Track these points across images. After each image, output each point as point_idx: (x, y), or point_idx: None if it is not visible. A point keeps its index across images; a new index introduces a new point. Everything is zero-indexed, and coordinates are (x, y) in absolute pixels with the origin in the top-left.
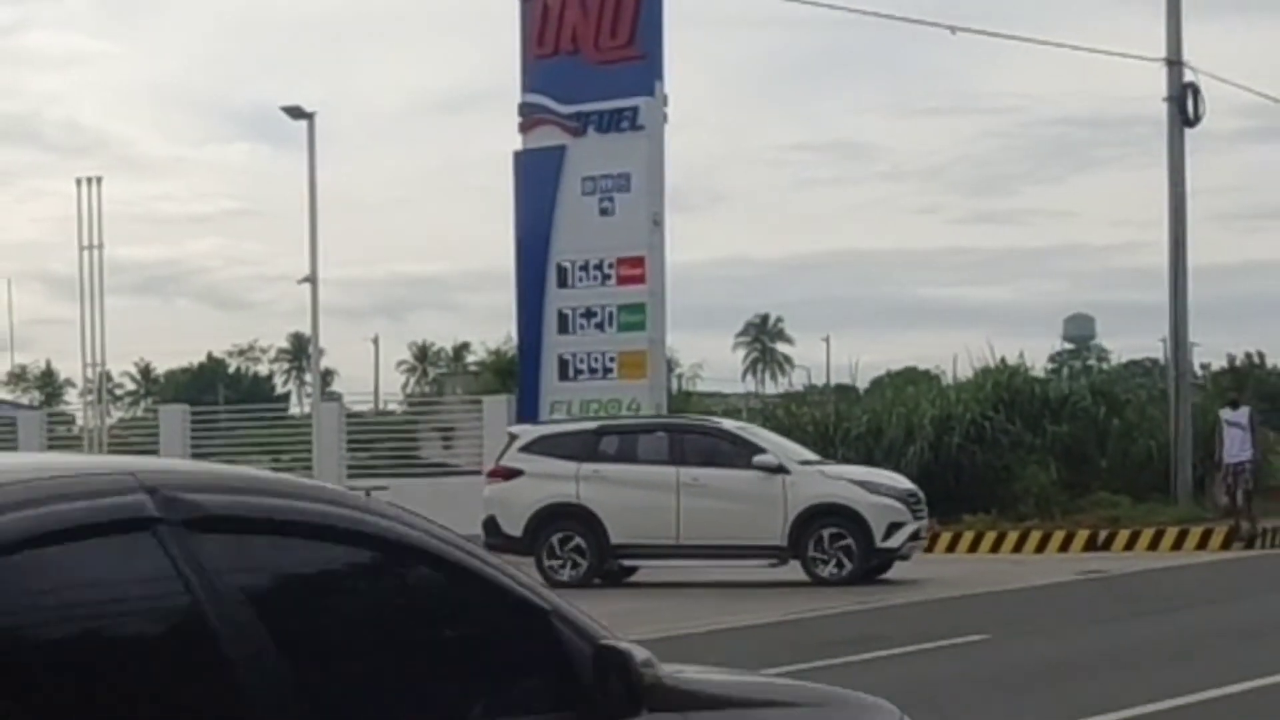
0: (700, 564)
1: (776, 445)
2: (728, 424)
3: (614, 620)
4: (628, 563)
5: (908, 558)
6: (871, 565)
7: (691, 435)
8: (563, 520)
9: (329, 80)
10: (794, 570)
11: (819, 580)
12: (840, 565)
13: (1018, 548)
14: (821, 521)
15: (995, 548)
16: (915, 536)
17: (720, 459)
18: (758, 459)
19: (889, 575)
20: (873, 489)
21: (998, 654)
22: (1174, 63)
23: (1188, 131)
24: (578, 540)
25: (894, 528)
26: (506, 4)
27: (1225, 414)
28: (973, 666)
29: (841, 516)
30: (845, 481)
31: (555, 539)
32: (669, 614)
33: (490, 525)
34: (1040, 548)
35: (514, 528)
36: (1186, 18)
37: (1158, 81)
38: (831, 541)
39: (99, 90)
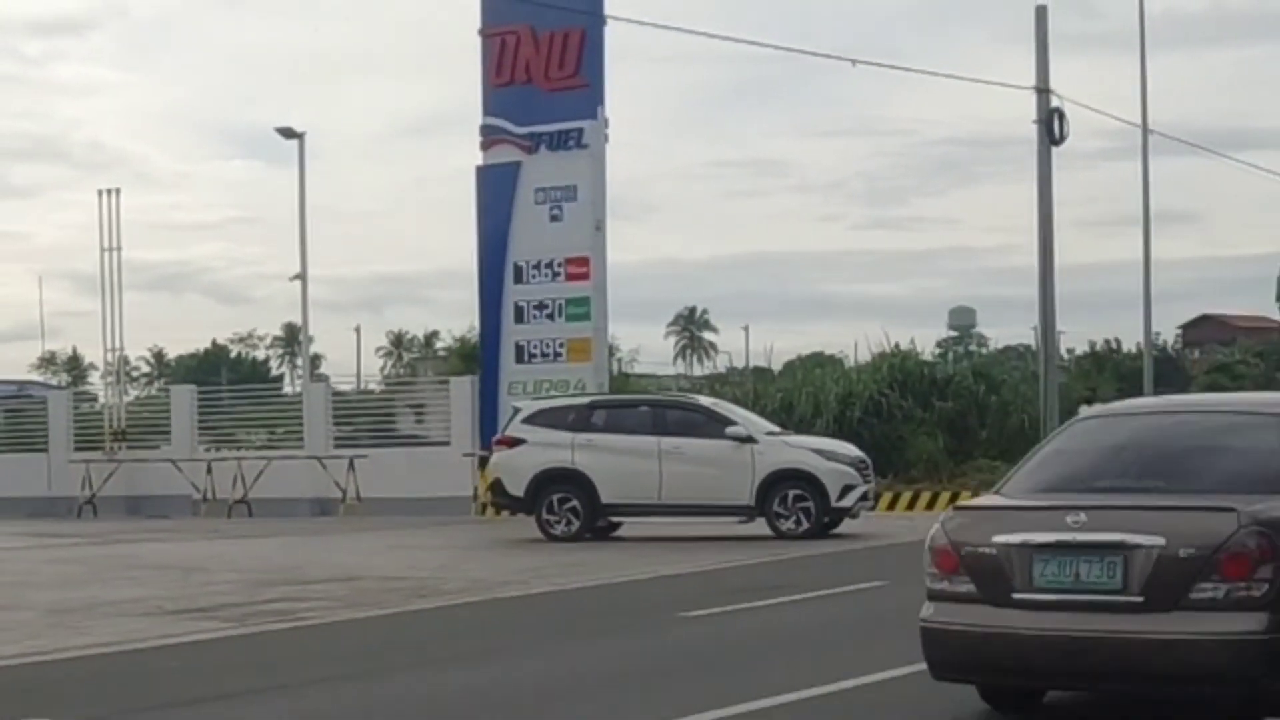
0: (678, 520)
1: (745, 419)
2: (703, 400)
3: (567, 569)
4: (615, 519)
5: (857, 515)
6: (825, 522)
7: (672, 410)
8: (559, 483)
9: (317, 106)
10: (759, 526)
11: (780, 534)
12: (799, 522)
13: (910, 506)
14: (784, 484)
15: (891, 507)
16: (864, 498)
17: (696, 430)
18: (729, 430)
19: (838, 530)
20: (829, 456)
21: (892, 597)
22: (1042, 91)
23: (1054, 150)
24: (573, 501)
25: (846, 490)
26: (469, 40)
27: (1083, 410)
28: (872, 606)
29: (802, 480)
30: (805, 450)
31: (553, 498)
32: (616, 564)
33: (497, 487)
34: (930, 506)
35: (517, 489)
36: (1053, 52)
37: (1028, 107)
38: (793, 501)
39: (118, 114)
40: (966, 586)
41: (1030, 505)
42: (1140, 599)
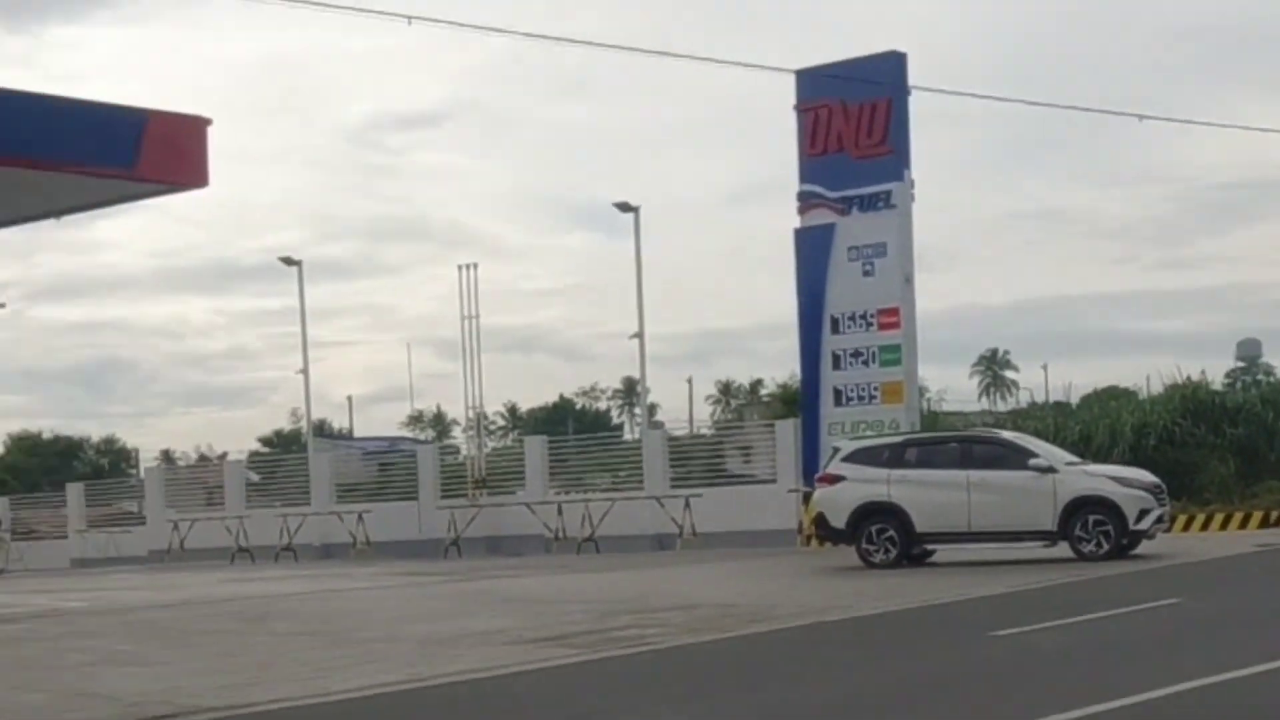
0: (986, 546)
1: (1046, 450)
2: (1007, 435)
3: (886, 594)
4: (928, 546)
5: (1154, 537)
6: (1124, 544)
7: (978, 445)
8: (877, 515)
9: (648, 179)
10: (1062, 550)
11: (1082, 557)
12: (1099, 545)
13: (1204, 527)
14: (1085, 510)
15: (1185, 528)
16: (1159, 520)
17: (1001, 462)
18: (1032, 461)
19: (1136, 551)
20: (1126, 483)
21: (1187, 611)
22: None
23: None
24: (889, 531)
25: (1143, 514)
26: (786, 116)
27: None
28: (1173, 618)
29: (1101, 506)
30: (1103, 478)
31: (872, 529)
32: (930, 588)
33: (820, 520)
34: (1223, 527)
35: (839, 522)
36: None
37: None
38: (1094, 526)
39: (473, 196)
40: None
41: None
42: None
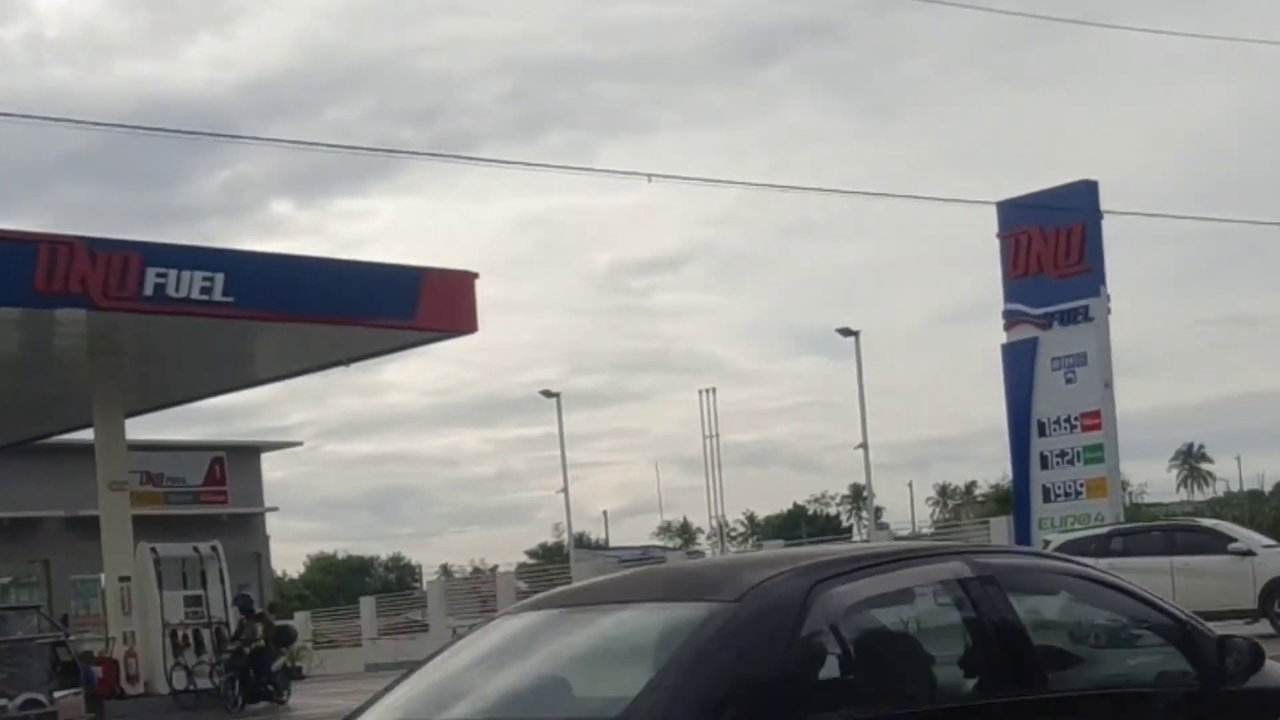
0: None
1: (1244, 535)
2: (1206, 522)
3: None
4: None
5: None
6: None
7: (1180, 533)
8: None
9: (867, 306)
10: (1263, 626)
11: None
12: None
13: None
14: None
15: None
16: None
17: (1202, 548)
18: (1231, 546)
19: None
20: None
21: None
22: None
23: None
24: None
25: None
26: (989, 243)
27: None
28: None
29: None
30: None
31: None
32: None
33: None
34: None
35: None
36: None
37: None
38: None
39: (709, 329)
40: None
41: None
42: None
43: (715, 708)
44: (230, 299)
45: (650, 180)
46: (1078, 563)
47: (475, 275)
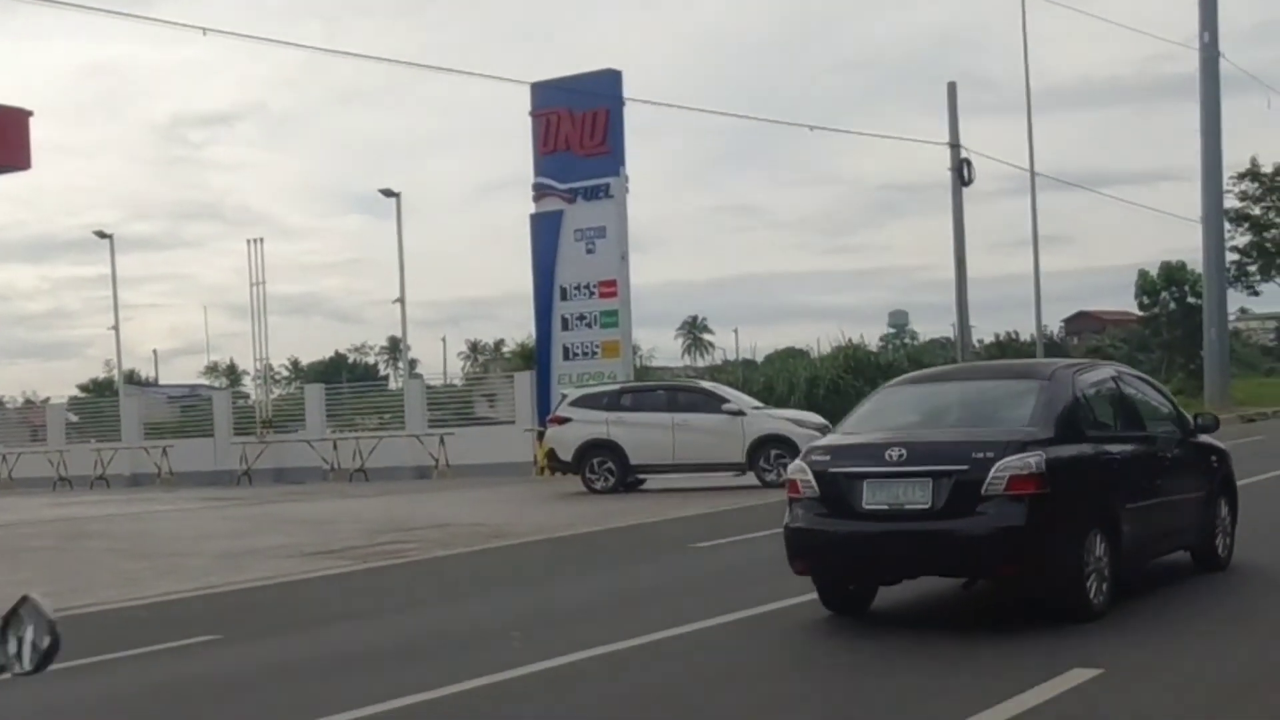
0: (688, 476)
1: (737, 398)
2: (705, 384)
3: (605, 515)
4: (640, 476)
5: None
6: None
7: (681, 393)
8: (598, 450)
9: (411, 174)
10: (749, 479)
11: (765, 484)
12: (779, 474)
13: None
14: (768, 446)
15: None
16: None
17: (700, 407)
18: (725, 406)
19: None
20: (800, 424)
21: None
22: (954, 146)
23: (964, 190)
24: (609, 463)
25: None
26: (524, 122)
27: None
28: None
29: (781, 442)
30: (783, 420)
31: (594, 462)
32: (641, 510)
33: (551, 454)
34: None
35: (566, 455)
36: (962, 117)
37: (945, 159)
38: (774, 459)
39: (261, 185)
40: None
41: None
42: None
43: (1058, 422)
44: None
45: (205, 34)
46: (1144, 375)
47: (30, 113)
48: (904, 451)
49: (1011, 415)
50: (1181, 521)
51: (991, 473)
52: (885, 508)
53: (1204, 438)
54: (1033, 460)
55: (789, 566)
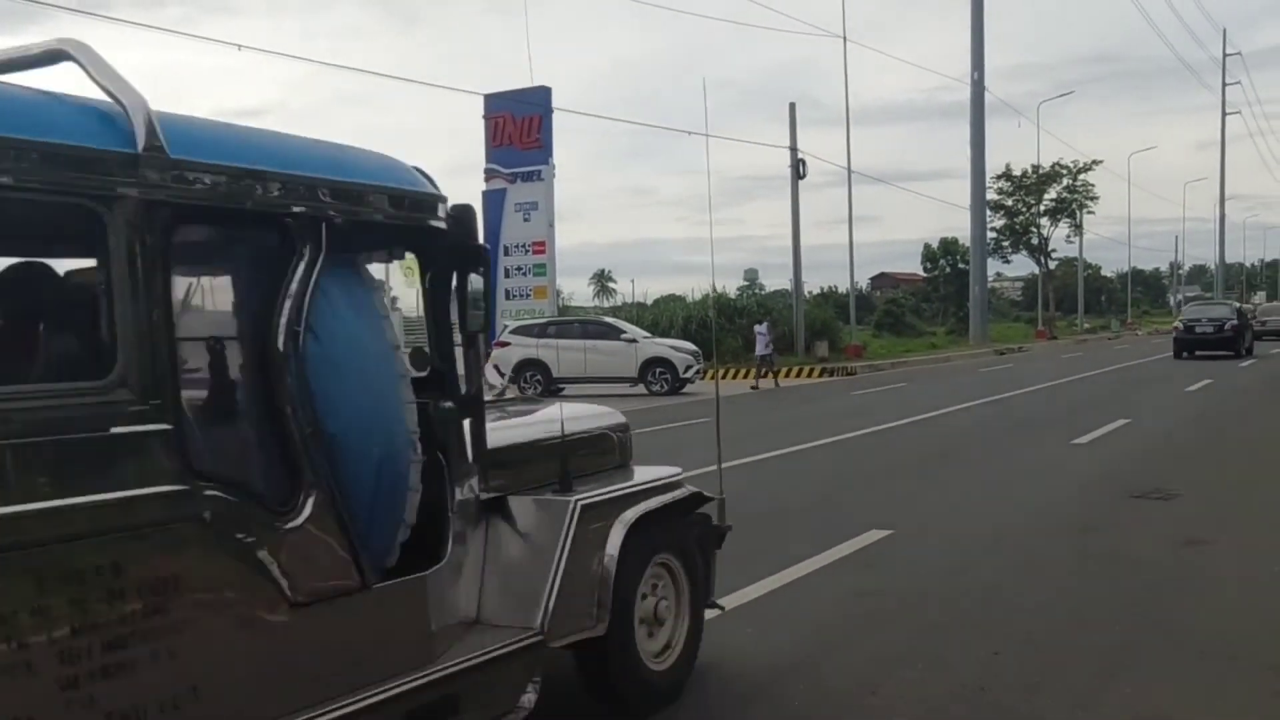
0: (596, 386)
1: (632, 330)
2: (609, 319)
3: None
4: (561, 385)
5: (693, 381)
6: (677, 386)
7: (591, 325)
8: (531, 366)
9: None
10: (640, 390)
11: (652, 393)
12: (662, 386)
13: (722, 377)
14: (654, 365)
15: (709, 377)
16: (697, 372)
17: (605, 335)
18: (623, 336)
19: (686, 390)
20: (678, 350)
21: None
22: (793, 149)
23: (800, 182)
24: (538, 375)
25: (688, 368)
26: (479, 123)
27: (756, 327)
28: (706, 431)
29: (664, 363)
30: (665, 346)
31: (527, 374)
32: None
33: (495, 369)
34: (732, 377)
35: (507, 370)
36: (800, 125)
37: (785, 157)
38: (659, 374)
39: None
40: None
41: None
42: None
43: None
44: None
45: (240, 49)
46: None
47: None
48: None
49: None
50: None
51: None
52: None
53: None
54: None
55: (678, 459)
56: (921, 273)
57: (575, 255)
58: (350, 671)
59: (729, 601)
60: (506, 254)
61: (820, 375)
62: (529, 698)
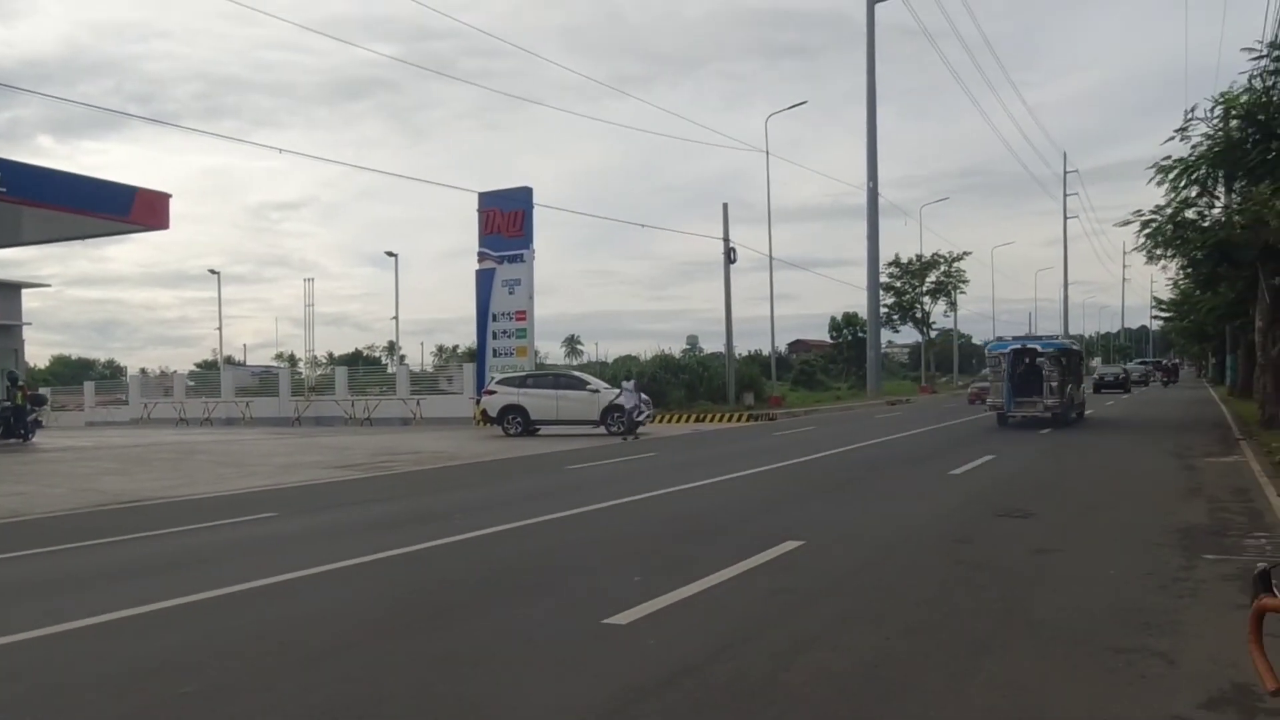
0: (566, 428)
1: (595, 381)
2: (576, 373)
3: (515, 448)
4: (537, 427)
5: (644, 424)
6: (633, 429)
7: (562, 377)
8: (512, 410)
9: (405, 241)
10: (600, 431)
11: (610, 434)
12: (619, 429)
13: (667, 421)
14: (612, 411)
15: (660, 421)
16: (648, 418)
17: (573, 386)
18: (588, 387)
19: (638, 432)
20: (632, 399)
21: (658, 460)
22: (725, 240)
23: (732, 266)
24: (519, 418)
25: (640, 413)
26: (474, 215)
27: (624, 383)
28: (653, 463)
29: (620, 409)
30: (623, 394)
31: (509, 418)
32: (537, 447)
33: (484, 413)
34: (677, 421)
35: (494, 414)
36: (731, 223)
37: (719, 245)
38: (616, 418)
39: (314, 246)
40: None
41: None
42: None
43: None
44: (3, 189)
45: (281, 152)
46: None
47: (170, 195)
48: None
49: None
50: None
51: None
52: None
53: None
54: None
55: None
56: (829, 339)
57: (551, 322)
58: None
59: (673, 589)
60: (495, 320)
61: (747, 420)
62: None
